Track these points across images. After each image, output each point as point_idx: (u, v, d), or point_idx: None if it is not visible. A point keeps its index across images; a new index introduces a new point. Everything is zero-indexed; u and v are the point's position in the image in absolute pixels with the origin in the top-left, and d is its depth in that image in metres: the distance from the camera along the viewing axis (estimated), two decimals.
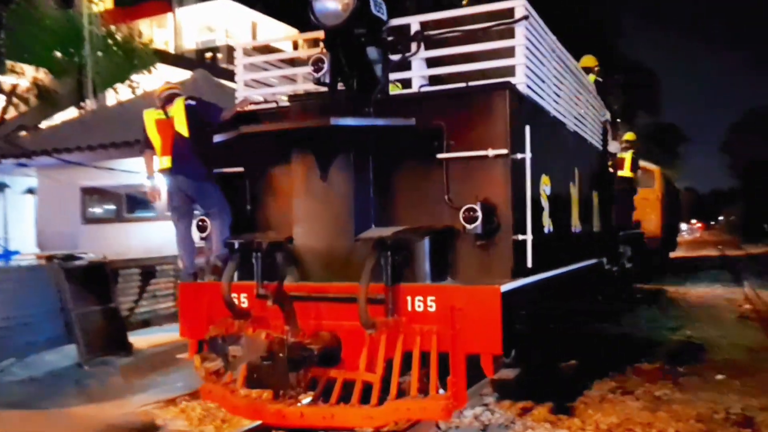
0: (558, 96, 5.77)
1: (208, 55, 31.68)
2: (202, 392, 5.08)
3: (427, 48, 5.17)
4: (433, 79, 5.35)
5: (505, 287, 4.26)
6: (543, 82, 5.28)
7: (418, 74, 5.19)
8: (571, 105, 6.35)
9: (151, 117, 5.54)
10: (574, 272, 6.26)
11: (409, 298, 4.46)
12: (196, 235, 5.65)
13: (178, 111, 5.42)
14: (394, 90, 5.39)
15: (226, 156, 5.34)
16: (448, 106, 4.71)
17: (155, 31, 32.31)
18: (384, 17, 4.96)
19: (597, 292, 8.06)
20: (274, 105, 5.43)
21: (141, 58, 23.27)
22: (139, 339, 8.60)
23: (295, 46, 6.38)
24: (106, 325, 8.03)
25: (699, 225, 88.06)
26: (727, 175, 77.20)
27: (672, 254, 23.62)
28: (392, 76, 5.21)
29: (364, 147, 4.81)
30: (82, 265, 8.15)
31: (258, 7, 33.19)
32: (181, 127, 5.38)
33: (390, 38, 5.16)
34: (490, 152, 4.52)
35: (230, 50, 32.18)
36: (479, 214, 4.40)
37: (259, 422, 4.89)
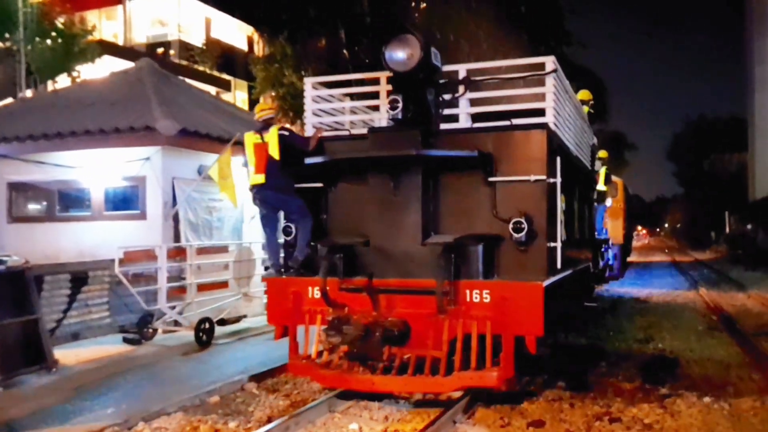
0: (568, 129, 7.51)
1: (160, 50, 32.31)
2: (290, 367, 6.57)
3: (471, 90, 6.81)
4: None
5: (546, 282, 5.93)
6: (560, 116, 6.99)
7: (464, 111, 6.82)
8: (575, 135, 8.12)
9: (250, 140, 6.98)
10: (576, 273, 8.03)
11: (467, 291, 6.05)
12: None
13: (272, 138, 6.85)
14: None
15: (308, 173, 6.84)
16: (497, 140, 6.33)
17: (104, 23, 32.69)
18: (440, 65, 6.60)
19: (586, 293, 9.86)
20: (347, 133, 6.94)
21: (82, 46, 23.82)
22: (66, 354, 8.20)
23: (359, 82, 7.68)
24: (25, 339, 7.38)
25: (644, 232, 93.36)
26: (672, 183, 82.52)
27: (628, 259, 26.20)
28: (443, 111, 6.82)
29: (429, 170, 6.38)
30: None
31: (211, 2, 34.07)
32: (274, 151, 6.83)
33: (442, 81, 6.78)
34: (532, 177, 6.18)
35: (182, 45, 32.96)
36: (525, 225, 6.05)
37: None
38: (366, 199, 6.54)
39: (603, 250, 12.48)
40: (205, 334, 9.43)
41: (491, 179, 6.30)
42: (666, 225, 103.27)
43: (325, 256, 6.24)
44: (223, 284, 10.93)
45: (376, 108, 7.37)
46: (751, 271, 24.42)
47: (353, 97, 7.91)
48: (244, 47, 36.88)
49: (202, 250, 10.57)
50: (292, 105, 28.98)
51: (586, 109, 9.59)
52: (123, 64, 24.26)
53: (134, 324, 9.69)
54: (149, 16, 33.87)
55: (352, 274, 6.36)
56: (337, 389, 6.43)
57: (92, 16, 30.99)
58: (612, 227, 16.90)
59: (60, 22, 23.89)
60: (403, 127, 6.37)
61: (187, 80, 20.23)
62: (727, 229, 45.17)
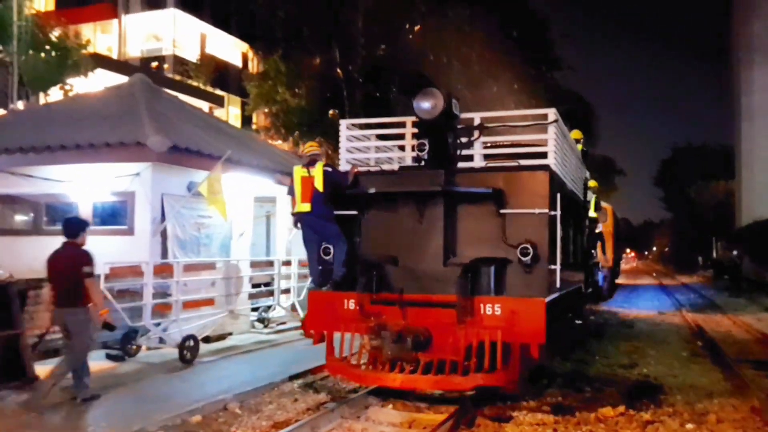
0: (566, 168, 9.05)
1: (154, 64, 33.67)
2: (328, 368, 7.97)
3: (484, 135, 8.34)
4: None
5: (548, 298, 7.40)
6: (559, 158, 8.51)
7: (478, 152, 8.33)
8: (571, 172, 9.67)
9: (299, 173, 8.42)
10: (571, 292, 9.52)
11: (481, 305, 7.49)
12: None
13: (318, 172, 8.30)
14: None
15: (345, 202, 8.31)
16: (508, 178, 7.83)
17: (99, 37, 34.02)
18: (458, 113, 8.11)
19: (577, 311, 11.34)
20: (378, 169, 8.41)
21: (76, 59, 24.92)
22: (47, 369, 8.13)
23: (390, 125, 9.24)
24: (5, 353, 7.64)
25: (632, 255, 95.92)
26: (659, 208, 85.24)
27: (616, 281, 27.92)
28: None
29: (450, 202, 7.86)
30: None
31: (207, 18, 35.58)
32: (319, 185, 8.28)
33: (460, 127, 8.30)
34: (536, 210, 7.67)
35: (177, 60, 34.34)
36: (530, 250, 7.52)
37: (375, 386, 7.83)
38: (396, 225, 8.02)
39: (593, 272, 14.02)
40: (189, 351, 9.75)
41: (502, 211, 7.78)
42: (654, 249, 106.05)
43: (361, 274, 7.66)
44: (209, 301, 11.41)
45: (402, 148, 8.87)
46: (735, 297, 25.90)
47: (381, 136, 9.40)
48: (239, 63, 38.40)
49: (189, 267, 10.85)
50: (285, 122, 30.47)
51: (580, 147, 11.18)
52: (117, 78, 25.30)
53: (118, 340, 9.89)
54: (144, 31, 35.28)
55: (383, 290, 7.79)
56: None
57: (87, 30, 32.31)
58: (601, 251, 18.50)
59: (54, 35, 24.75)
60: (429, 166, 7.86)
61: (181, 95, 21.03)
62: (714, 255, 47.26)
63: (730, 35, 44.87)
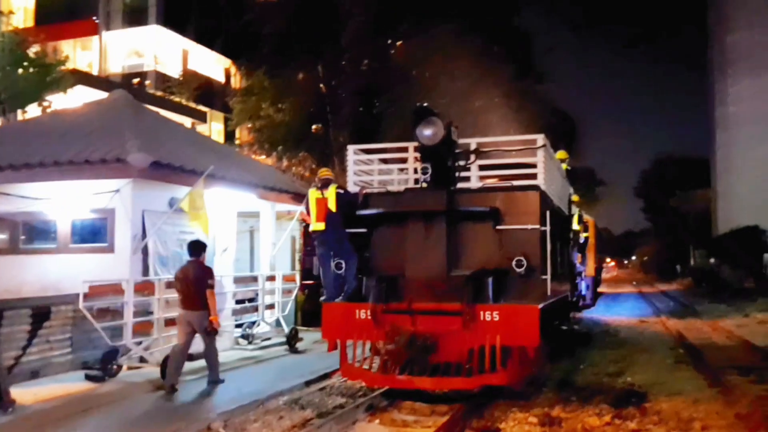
0: (553, 187, 10.17)
1: (136, 80, 34.40)
2: (343, 372, 8.96)
3: (480, 158, 9.44)
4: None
5: (540, 305, 8.48)
6: (548, 179, 9.61)
7: (475, 174, 9.44)
8: (558, 191, 10.80)
9: (314, 195, 9.41)
10: (560, 300, 10.63)
11: (482, 312, 8.52)
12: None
13: (331, 194, 9.31)
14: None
15: (356, 221, 9.33)
16: (503, 197, 8.92)
17: (79, 53, 34.71)
18: (457, 139, 9.21)
19: (564, 318, 12.47)
20: (385, 190, 9.47)
21: (56, 76, 25.39)
22: (25, 392, 8.35)
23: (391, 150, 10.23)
24: None
25: (612, 264, 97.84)
26: (640, 218, 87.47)
27: (598, 289, 29.27)
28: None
29: (452, 220, 8.93)
30: None
31: (189, 35, 36.42)
32: (332, 205, 9.27)
33: (458, 151, 9.40)
34: (529, 226, 8.77)
35: (159, 76, 35.10)
36: (524, 262, 8.61)
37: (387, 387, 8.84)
38: (403, 241, 9.07)
39: (578, 281, 15.20)
40: None
41: (498, 227, 8.87)
42: (634, 258, 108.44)
43: (373, 286, 8.69)
44: None
45: (404, 170, 9.96)
46: (716, 303, 27.04)
47: (385, 160, 10.49)
48: (222, 79, 39.22)
49: (171, 284, 10.60)
50: (268, 137, 31.29)
51: (565, 166, 12.38)
52: (97, 95, 25.16)
53: (98, 360, 9.85)
54: (125, 47, 35.97)
55: (393, 300, 8.81)
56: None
57: (67, 46, 32.84)
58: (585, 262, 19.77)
59: (33, 51, 24.89)
60: (432, 188, 8.95)
61: (163, 111, 21.19)
62: (692, 263, 48.99)
63: (707, 47, 46.88)
